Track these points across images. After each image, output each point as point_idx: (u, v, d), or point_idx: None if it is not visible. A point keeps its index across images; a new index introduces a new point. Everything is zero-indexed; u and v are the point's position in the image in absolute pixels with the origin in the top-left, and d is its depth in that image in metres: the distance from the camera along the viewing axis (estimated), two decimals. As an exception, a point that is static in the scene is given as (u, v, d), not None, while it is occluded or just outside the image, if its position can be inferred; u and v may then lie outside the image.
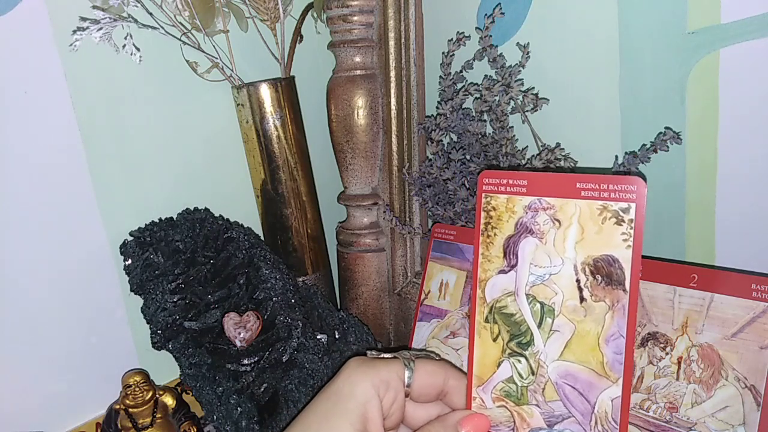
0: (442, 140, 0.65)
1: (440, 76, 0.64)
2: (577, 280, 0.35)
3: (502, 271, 0.37)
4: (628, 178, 0.33)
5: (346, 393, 0.36)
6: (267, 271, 0.63)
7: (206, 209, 0.69)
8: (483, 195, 0.38)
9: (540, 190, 0.36)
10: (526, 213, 0.36)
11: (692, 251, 0.55)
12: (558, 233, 0.35)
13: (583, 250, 0.35)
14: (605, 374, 0.34)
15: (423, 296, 0.60)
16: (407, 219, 0.71)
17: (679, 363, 0.43)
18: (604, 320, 0.34)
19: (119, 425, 0.60)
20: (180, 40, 0.64)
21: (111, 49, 0.60)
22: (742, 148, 0.50)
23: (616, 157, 0.56)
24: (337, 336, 0.64)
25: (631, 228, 0.34)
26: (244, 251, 0.65)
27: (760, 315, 0.40)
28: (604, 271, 0.34)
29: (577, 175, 0.35)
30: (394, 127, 0.69)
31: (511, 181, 0.37)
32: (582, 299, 0.35)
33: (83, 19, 0.59)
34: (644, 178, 0.34)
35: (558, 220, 0.35)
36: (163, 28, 0.62)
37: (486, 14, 0.60)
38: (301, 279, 0.73)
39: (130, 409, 0.59)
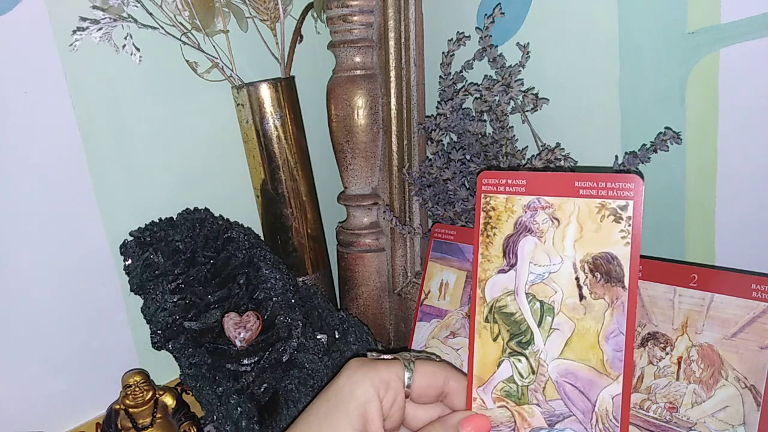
0: (442, 140, 0.65)
1: (440, 76, 0.64)
2: (577, 278, 0.35)
3: (501, 271, 0.37)
4: (625, 176, 0.33)
5: (347, 393, 0.36)
6: (267, 271, 0.63)
7: (206, 209, 0.69)
8: (482, 195, 0.38)
9: (539, 190, 0.36)
10: (525, 212, 0.36)
11: (692, 251, 0.55)
12: (557, 232, 0.35)
13: (582, 248, 0.35)
14: (605, 372, 0.34)
15: (423, 296, 0.60)
16: (407, 219, 0.71)
17: (679, 363, 0.43)
18: (604, 317, 0.34)
19: (119, 425, 0.60)
20: (180, 40, 0.64)
21: (111, 49, 0.60)
22: (742, 148, 0.50)
23: (616, 157, 0.56)
24: (337, 336, 0.64)
25: (630, 225, 0.34)
26: (244, 251, 0.65)
27: (760, 315, 0.40)
28: (603, 268, 0.34)
29: (576, 174, 0.35)
30: (394, 127, 0.69)
31: (510, 181, 0.37)
32: (581, 297, 0.35)
33: (83, 19, 0.59)
34: (642, 176, 0.34)
35: (557, 219, 0.35)
36: (163, 28, 0.62)
37: (486, 14, 0.60)
38: (301, 279, 0.73)
39: (130, 409, 0.59)
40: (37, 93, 0.59)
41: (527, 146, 0.60)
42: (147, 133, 0.67)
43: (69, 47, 0.57)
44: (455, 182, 0.62)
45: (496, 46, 0.60)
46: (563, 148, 0.56)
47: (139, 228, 0.65)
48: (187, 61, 0.66)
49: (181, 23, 0.64)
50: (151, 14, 0.61)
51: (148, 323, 0.61)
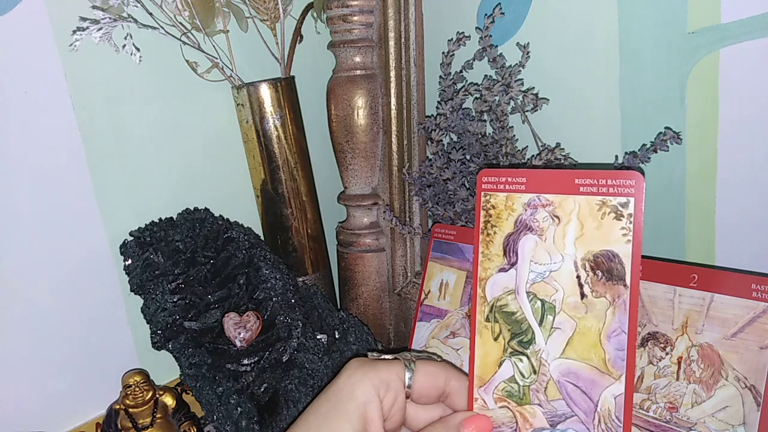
0: (442, 140, 0.65)
1: (440, 76, 0.64)
2: (578, 277, 0.35)
3: (502, 270, 0.37)
4: (626, 173, 0.33)
5: (347, 394, 0.36)
6: (267, 271, 0.63)
7: (206, 209, 0.69)
8: (482, 193, 0.37)
9: (539, 187, 0.36)
10: (526, 210, 0.36)
11: (692, 251, 0.55)
12: (557, 230, 0.35)
13: (582, 246, 0.35)
14: (607, 371, 0.34)
15: (423, 296, 0.60)
16: (407, 219, 0.71)
17: (679, 363, 0.43)
18: (606, 316, 0.34)
19: (119, 425, 0.60)
20: (180, 40, 0.64)
21: (111, 49, 0.60)
22: (742, 148, 0.50)
23: (616, 157, 0.56)
24: (337, 336, 0.64)
25: (631, 223, 0.33)
26: (244, 251, 0.65)
27: (760, 315, 0.40)
28: (604, 266, 0.34)
29: (576, 171, 0.35)
30: (394, 127, 0.69)
31: (510, 179, 0.37)
32: (583, 295, 0.35)
33: (83, 19, 0.59)
34: (642, 173, 0.34)
35: (557, 217, 0.35)
36: (163, 28, 0.62)
37: (486, 14, 0.60)
38: (301, 279, 0.73)
39: (130, 409, 0.59)
40: (37, 93, 0.59)
41: (527, 146, 0.60)
42: (147, 133, 0.67)
43: (69, 47, 0.57)
44: (455, 182, 0.62)
45: (496, 46, 0.60)
46: (563, 148, 0.56)
47: (139, 228, 0.65)
48: (187, 61, 0.66)
49: (181, 23, 0.64)
50: (151, 14, 0.61)
51: (148, 323, 0.61)
